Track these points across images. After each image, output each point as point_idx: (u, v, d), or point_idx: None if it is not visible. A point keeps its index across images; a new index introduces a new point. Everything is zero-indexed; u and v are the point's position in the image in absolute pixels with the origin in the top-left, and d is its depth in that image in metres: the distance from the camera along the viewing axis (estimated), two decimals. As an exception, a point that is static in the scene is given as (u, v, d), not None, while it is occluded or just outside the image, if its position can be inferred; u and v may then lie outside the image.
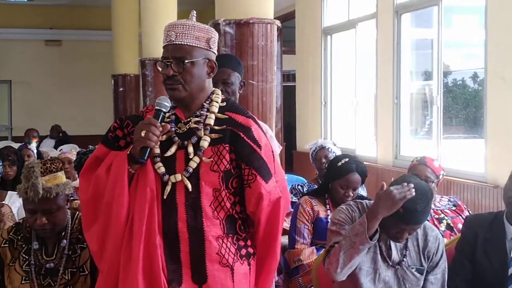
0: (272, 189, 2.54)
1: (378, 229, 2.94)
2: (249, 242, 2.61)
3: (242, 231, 2.59)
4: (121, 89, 12.65)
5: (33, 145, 7.04)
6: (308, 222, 4.10)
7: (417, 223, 3.00)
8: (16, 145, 7.37)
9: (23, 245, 3.02)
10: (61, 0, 14.99)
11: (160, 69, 2.54)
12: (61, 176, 3.00)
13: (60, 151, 7.18)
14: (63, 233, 3.03)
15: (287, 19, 11.53)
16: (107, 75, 13.58)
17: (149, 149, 2.45)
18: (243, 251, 2.57)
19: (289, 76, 13.16)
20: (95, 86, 15.56)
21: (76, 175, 5.05)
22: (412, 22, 8.23)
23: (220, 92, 2.64)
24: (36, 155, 6.73)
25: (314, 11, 10.28)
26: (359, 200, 3.31)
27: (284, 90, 12.19)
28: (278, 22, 4.88)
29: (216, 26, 4.70)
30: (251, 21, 4.67)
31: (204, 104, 2.58)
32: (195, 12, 2.64)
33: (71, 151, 6.59)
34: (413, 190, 2.89)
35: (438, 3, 7.16)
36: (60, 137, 12.64)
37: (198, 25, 2.53)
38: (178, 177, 2.48)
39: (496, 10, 6.16)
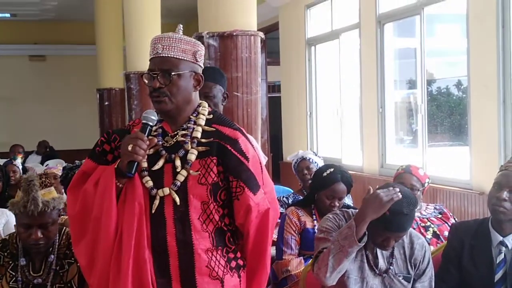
0: (261, 201, 2.54)
1: (366, 232, 2.95)
2: (238, 254, 2.60)
3: (231, 243, 2.58)
4: (106, 103, 12.62)
5: (18, 161, 7.00)
6: (295, 232, 4.10)
7: (402, 229, 3.01)
8: (1, 161, 7.34)
9: (10, 262, 3.01)
10: (45, 16, 14.95)
11: (146, 81, 2.53)
12: (54, 191, 3.02)
13: (46, 166, 7.15)
14: (50, 249, 3.02)
15: (271, 30, 11.57)
16: (92, 89, 13.55)
17: (136, 163, 2.45)
18: (233, 263, 2.57)
19: (274, 87, 13.19)
20: (80, 100, 15.52)
21: (63, 190, 5.03)
22: (395, 31, 8.28)
23: (206, 105, 2.64)
24: (21, 171, 6.70)
25: (297, 22, 10.32)
26: (345, 209, 3.32)
27: (269, 101, 12.22)
28: (261, 34, 4.89)
29: (199, 39, 4.71)
30: (234, 33, 4.69)
31: (191, 117, 2.57)
32: (181, 26, 2.64)
33: (57, 166, 6.57)
34: (400, 194, 2.91)
35: (420, 12, 7.22)
36: (47, 153, 12.60)
37: (185, 38, 2.54)
38: (166, 191, 2.48)
39: (477, 18, 6.21)
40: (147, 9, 9.34)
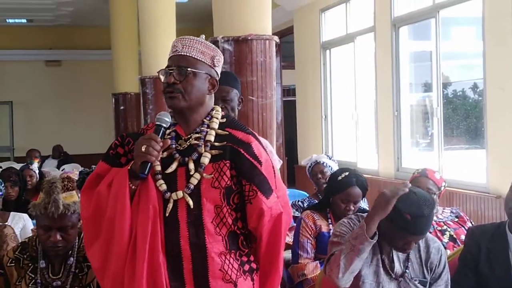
0: (273, 205, 2.54)
1: (377, 231, 2.95)
2: (252, 258, 2.60)
3: (244, 247, 2.59)
4: (121, 107, 12.67)
5: (35, 166, 7.04)
6: (311, 236, 4.10)
7: (423, 231, 3.00)
8: (18, 166, 7.39)
9: (29, 264, 3.04)
10: (60, 21, 15.05)
11: (162, 77, 2.56)
12: (75, 194, 3.04)
13: (62, 170, 7.18)
14: (69, 252, 3.04)
15: (285, 34, 11.57)
16: (108, 94, 13.61)
17: (149, 164, 2.45)
18: (246, 267, 2.57)
19: (289, 91, 13.19)
20: (96, 105, 15.59)
21: (79, 195, 5.05)
22: (410, 34, 8.26)
23: (220, 109, 2.65)
24: (38, 175, 6.74)
25: (312, 26, 10.33)
26: (361, 214, 3.31)
27: (284, 105, 12.22)
28: (276, 38, 4.90)
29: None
30: (249, 38, 4.70)
31: (204, 120, 2.58)
32: (204, 35, 2.67)
33: (73, 170, 6.61)
34: (408, 187, 2.92)
35: (435, 15, 7.20)
36: (62, 157, 12.68)
37: (205, 42, 2.58)
38: (180, 194, 2.48)
39: (493, 20, 6.18)
40: (162, 14, 9.38)
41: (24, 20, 15.30)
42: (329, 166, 5.26)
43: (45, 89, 15.74)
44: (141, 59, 10.04)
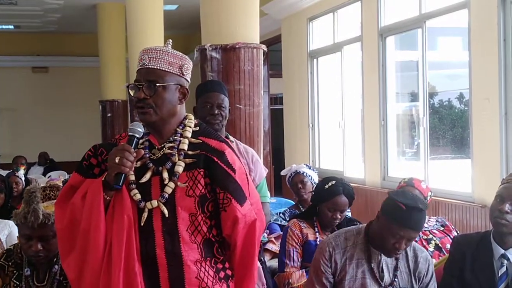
0: (247, 212, 2.56)
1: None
2: (227, 265, 2.62)
3: (219, 254, 2.60)
4: (109, 114, 12.67)
5: (21, 173, 7.01)
6: (297, 245, 4.10)
7: (417, 226, 3.05)
8: (4, 173, 7.35)
9: (14, 271, 3.04)
10: (48, 27, 15.02)
11: (132, 92, 2.58)
12: None
13: (48, 178, 7.15)
14: (54, 259, 3.04)
15: (273, 43, 11.59)
16: (95, 101, 13.60)
17: (123, 175, 2.46)
18: (222, 274, 2.59)
19: (276, 99, 13.20)
20: (83, 112, 15.56)
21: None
22: (397, 44, 8.30)
23: (193, 117, 2.66)
24: (24, 182, 6.71)
25: (300, 35, 10.36)
26: (349, 232, 3.34)
27: (271, 113, 12.23)
28: (264, 47, 4.92)
29: (202, 51, 4.75)
30: (237, 46, 4.72)
31: (177, 129, 2.59)
32: (171, 40, 2.68)
33: (59, 177, 6.58)
34: None
35: (422, 25, 7.24)
36: (48, 164, 12.62)
37: (172, 51, 2.57)
38: (154, 203, 2.49)
39: (479, 31, 6.23)
40: (151, 21, 9.40)
41: (11, 26, 15.25)
42: (309, 176, 5.23)
43: (32, 96, 15.69)
44: (129, 66, 10.04)
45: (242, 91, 4.72)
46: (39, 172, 11.96)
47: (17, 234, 4.43)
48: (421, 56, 7.28)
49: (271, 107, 12.31)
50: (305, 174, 5.23)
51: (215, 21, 4.89)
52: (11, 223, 4.74)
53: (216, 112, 3.62)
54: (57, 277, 3.02)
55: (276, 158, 12.29)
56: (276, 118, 12.13)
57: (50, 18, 13.95)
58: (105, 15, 12.77)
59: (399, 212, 2.97)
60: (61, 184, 5.72)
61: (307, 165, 5.46)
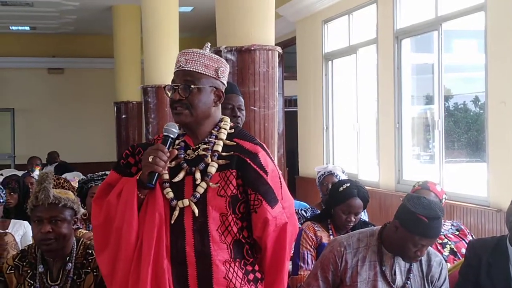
0: (278, 215, 2.56)
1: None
2: (256, 267, 2.62)
3: (249, 256, 2.61)
4: (123, 116, 12.70)
5: (36, 173, 7.04)
6: (311, 247, 4.09)
7: (437, 234, 3.08)
8: (19, 174, 7.39)
9: (28, 271, 3.06)
10: (63, 29, 15.10)
11: (168, 93, 2.60)
12: (72, 194, 3.07)
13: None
14: (67, 257, 3.06)
15: (288, 45, 11.60)
16: (110, 102, 13.65)
17: (157, 174, 2.50)
18: (251, 276, 2.59)
19: (291, 102, 13.20)
20: (98, 113, 15.62)
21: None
22: (412, 47, 8.28)
23: (228, 120, 2.69)
24: (39, 183, 6.72)
25: (314, 37, 10.35)
26: (362, 234, 3.33)
27: (286, 116, 12.23)
28: (279, 49, 4.91)
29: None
30: (252, 48, 4.72)
31: (213, 131, 2.63)
32: (209, 44, 2.70)
33: (74, 178, 6.60)
34: None
35: (438, 28, 7.21)
36: (57, 162, 12.57)
37: (209, 54, 2.60)
38: (186, 202, 2.52)
39: (496, 34, 6.19)
40: (165, 23, 9.42)
41: (27, 28, 15.34)
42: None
43: (47, 97, 15.77)
44: (144, 68, 10.07)
45: (257, 93, 4.72)
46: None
47: (31, 235, 4.47)
48: (436, 59, 7.24)
49: (285, 109, 12.31)
50: (338, 176, 5.23)
51: (230, 23, 4.89)
52: (26, 223, 4.77)
53: (238, 114, 3.66)
54: (71, 275, 3.04)
55: (290, 160, 12.28)
56: (290, 120, 12.12)
57: (66, 19, 14.03)
58: (121, 16, 12.81)
59: (421, 224, 2.97)
60: (76, 185, 5.73)
61: (342, 169, 5.46)
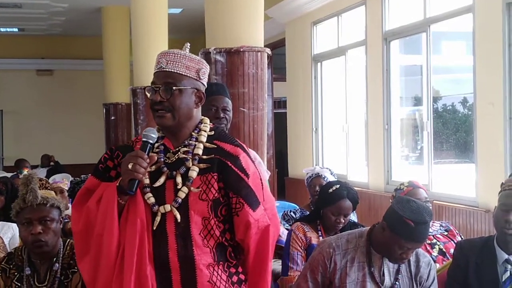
0: (260, 217, 2.55)
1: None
2: (240, 269, 2.61)
3: (232, 258, 2.60)
4: (112, 117, 12.67)
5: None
6: (301, 248, 4.09)
7: (424, 238, 3.07)
8: (8, 175, 7.35)
9: (15, 273, 3.05)
10: (53, 30, 15.05)
11: (148, 94, 2.56)
12: (54, 194, 3.09)
13: (52, 180, 7.14)
14: (55, 258, 3.06)
15: (277, 46, 11.61)
16: (99, 104, 13.62)
17: (137, 181, 2.47)
18: (235, 278, 2.58)
19: (280, 103, 13.22)
20: (87, 115, 15.58)
21: (69, 204, 5.04)
22: (401, 48, 8.31)
23: (208, 121, 2.66)
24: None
25: (304, 38, 10.36)
26: (351, 235, 3.33)
27: (275, 117, 12.24)
28: (268, 50, 4.92)
29: (207, 54, 4.75)
30: (241, 49, 4.72)
31: (193, 133, 2.60)
32: (189, 44, 2.67)
33: (63, 180, 6.57)
34: None
35: (426, 29, 7.24)
36: (51, 166, 12.60)
37: (190, 55, 2.57)
38: (168, 207, 2.49)
39: (484, 35, 6.23)
40: (155, 24, 9.41)
41: (15, 29, 15.29)
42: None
43: (36, 99, 15.72)
44: (133, 70, 10.06)
45: (246, 95, 4.72)
46: (42, 175, 11.94)
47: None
48: (425, 60, 7.27)
49: (274, 111, 12.33)
50: (326, 179, 5.22)
51: (220, 25, 4.89)
52: (14, 225, 4.74)
53: (222, 115, 3.63)
54: (58, 275, 3.03)
55: (279, 161, 12.30)
56: (280, 122, 12.14)
57: (55, 21, 13.98)
58: (110, 18, 12.79)
59: (407, 228, 2.96)
60: (65, 187, 5.71)
61: (330, 171, 5.46)
